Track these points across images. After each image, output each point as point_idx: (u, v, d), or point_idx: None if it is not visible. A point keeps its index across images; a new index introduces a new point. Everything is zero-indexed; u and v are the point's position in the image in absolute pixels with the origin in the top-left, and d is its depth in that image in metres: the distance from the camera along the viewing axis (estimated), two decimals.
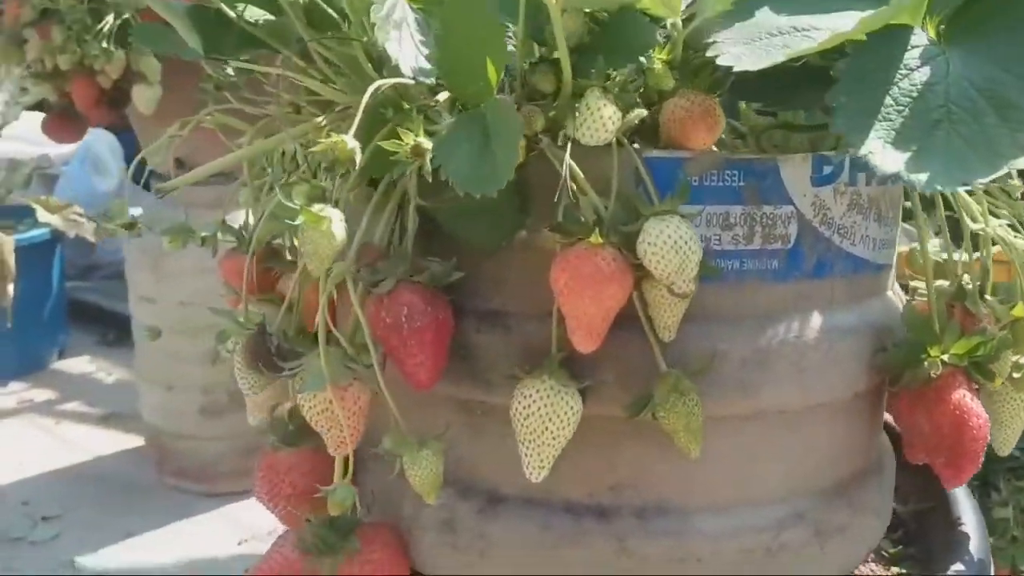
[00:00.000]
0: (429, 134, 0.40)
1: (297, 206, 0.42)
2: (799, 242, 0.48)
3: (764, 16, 0.43)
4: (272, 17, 0.59)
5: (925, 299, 0.59)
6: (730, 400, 0.47)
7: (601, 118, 0.42)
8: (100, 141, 2.35)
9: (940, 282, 0.57)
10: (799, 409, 0.50)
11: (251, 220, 0.62)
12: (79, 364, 2.08)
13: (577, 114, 0.41)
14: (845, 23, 0.41)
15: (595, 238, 0.42)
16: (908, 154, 0.38)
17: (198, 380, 1.30)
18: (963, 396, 0.49)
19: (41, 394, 1.88)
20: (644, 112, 0.42)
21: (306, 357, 0.47)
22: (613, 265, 0.42)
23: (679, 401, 0.44)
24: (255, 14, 0.58)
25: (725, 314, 0.47)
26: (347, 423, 0.45)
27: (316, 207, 0.41)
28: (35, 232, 1.96)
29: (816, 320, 0.49)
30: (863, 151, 0.38)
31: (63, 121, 1.15)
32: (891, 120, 0.39)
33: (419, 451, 0.45)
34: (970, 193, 0.58)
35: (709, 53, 0.41)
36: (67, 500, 1.34)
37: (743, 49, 0.41)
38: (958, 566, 0.58)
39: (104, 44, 0.99)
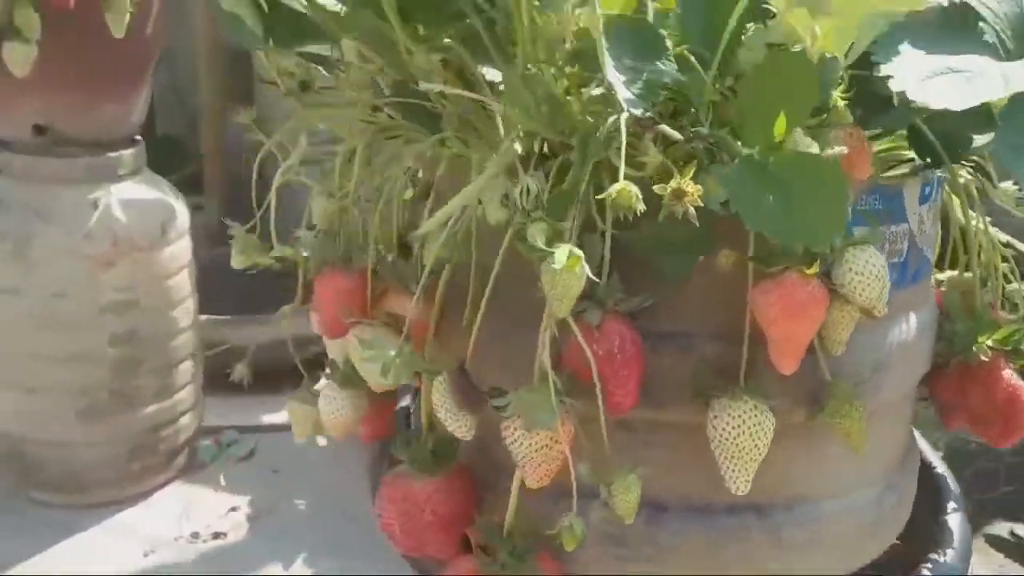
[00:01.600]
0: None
1: (548, 249, 0.41)
2: (908, 254, 0.55)
3: (909, 52, 0.48)
4: (338, 8, 0.55)
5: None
6: (864, 402, 0.53)
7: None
8: None
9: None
10: (899, 400, 0.57)
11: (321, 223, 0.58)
12: None
13: None
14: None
15: (813, 269, 0.45)
16: None
17: (73, 381, 1.14)
18: (1011, 375, 0.59)
19: None
20: (845, 149, 0.46)
21: (512, 393, 0.46)
22: (820, 291, 0.46)
23: (852, 408, 0.49)
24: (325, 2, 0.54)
25: (863, 326, 0.53)
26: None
27: (567, 248, 0.41)
28: None
29: (913, 320, 0.56)
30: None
31: None
32: None
33: (627, 476, 0.46)
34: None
35: (896, 87, 0.45)
36: None
37: (921, 86, 0.46)
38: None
39: None
